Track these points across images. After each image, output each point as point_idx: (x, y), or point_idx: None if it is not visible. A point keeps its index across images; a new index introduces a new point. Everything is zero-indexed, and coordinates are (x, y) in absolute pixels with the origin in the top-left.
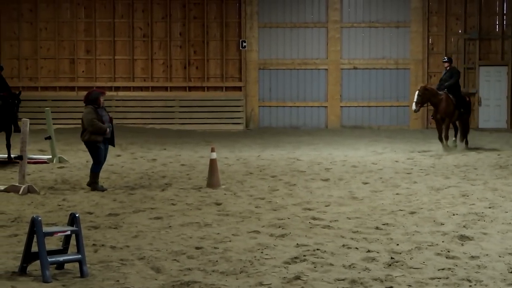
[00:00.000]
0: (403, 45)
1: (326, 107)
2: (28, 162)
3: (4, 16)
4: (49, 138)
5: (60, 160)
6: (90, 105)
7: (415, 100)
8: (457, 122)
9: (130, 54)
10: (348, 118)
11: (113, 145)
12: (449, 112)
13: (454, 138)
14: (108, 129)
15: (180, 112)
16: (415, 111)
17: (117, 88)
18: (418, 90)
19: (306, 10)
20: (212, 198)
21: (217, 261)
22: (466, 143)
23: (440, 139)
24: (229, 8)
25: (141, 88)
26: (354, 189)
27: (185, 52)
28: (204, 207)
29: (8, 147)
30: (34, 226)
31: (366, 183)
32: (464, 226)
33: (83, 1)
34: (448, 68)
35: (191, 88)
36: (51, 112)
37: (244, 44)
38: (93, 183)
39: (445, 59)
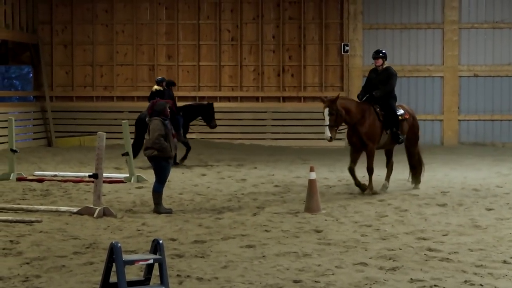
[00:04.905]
0: None
1: (441, 120)
2: (103, 181)
3: (77, 18)
4: (126, 154)
5: (139, 179)
6: (157, 116)
7: (326, 123)
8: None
9: (217, 60)
10: (468, 133)
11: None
12: (373, 133)
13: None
14: (172, 156)
15: (272, 125)
16: (329, 140)
17: (202, 98)
18: (326, 106)
19: (419, 8)
20: (311, 225)
21: None
22: (414, 181)
23: (350, 170)
24: (329, 7)
25: (228, 99)
26: (476, 216)
27: (278, 57)
28: (302, 234)
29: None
30: (113, 253)
31: (490, 210)
32: None
33: (164, 0)
34: (381, 67)
35: (285, 99)
36: (129, 125)
37: (346, 48)
38: (157, 205)
39: (379, 52)
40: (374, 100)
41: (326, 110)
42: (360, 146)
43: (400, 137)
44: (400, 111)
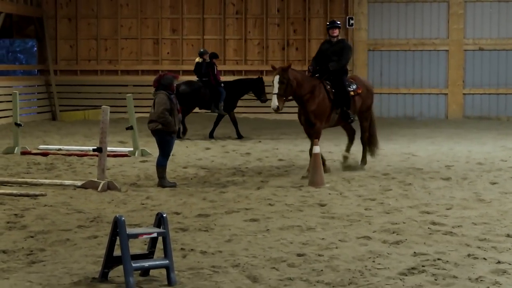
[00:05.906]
0: None
1: (446, 94)
2: (108, 155)
3: None
4: (130, 128)
5: (143, 153)
6: (163, 90)
7: (275, 91)
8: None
9: (221, 34)
10: (473, 107)
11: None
12: (321, 112)
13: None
14: (176, 130)
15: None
16: (276, 109)
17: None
18: (276, 74)
19: None
20: (315, 198)
21: (322, 270)
22: (362, 158)
23: (310, 153)
24: None
25: (233, 72)
26: (481, 190)
27: (283, 31)
28: (306, 208)
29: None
30: (117, 227)
31: (495, 183)
32: None
33: None
34: (336, 38)
35: None
36: (133, 98)
37: (351, 21)
38: (161, 178)
39: (334, 22)
40: (325, 75)
41: (277, 78)
42: (307, 126)
43: (351, 117)
44: (353, 86)
